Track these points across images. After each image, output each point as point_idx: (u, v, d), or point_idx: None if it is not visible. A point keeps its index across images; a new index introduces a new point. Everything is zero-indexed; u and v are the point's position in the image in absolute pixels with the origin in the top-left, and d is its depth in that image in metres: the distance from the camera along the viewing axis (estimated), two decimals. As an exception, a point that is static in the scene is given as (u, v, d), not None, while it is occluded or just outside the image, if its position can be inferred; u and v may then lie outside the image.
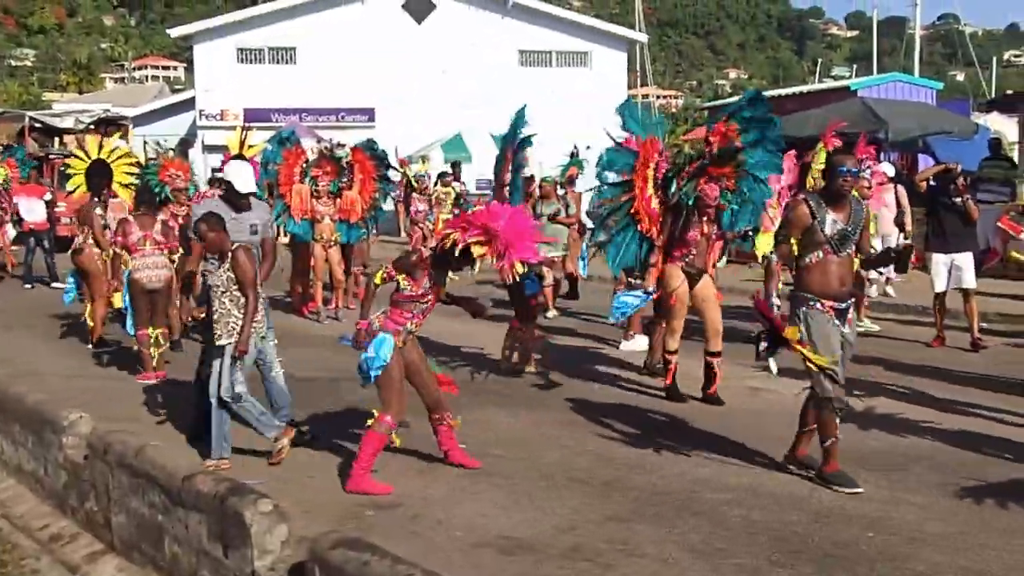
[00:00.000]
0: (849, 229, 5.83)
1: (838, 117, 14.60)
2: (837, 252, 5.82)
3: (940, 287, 10.24)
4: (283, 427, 6.48)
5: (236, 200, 7.14)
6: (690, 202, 7.75)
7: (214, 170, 18.24)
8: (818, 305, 5.80)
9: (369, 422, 5.88)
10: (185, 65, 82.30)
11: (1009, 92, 21.86)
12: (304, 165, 12.46)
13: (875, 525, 5.25)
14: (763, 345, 5.98)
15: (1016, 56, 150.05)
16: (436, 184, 19.48)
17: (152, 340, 9.00)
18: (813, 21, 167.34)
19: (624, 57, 36.31)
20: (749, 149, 7.73)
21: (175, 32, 37.18)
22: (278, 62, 33.15)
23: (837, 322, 5.83)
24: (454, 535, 5.18)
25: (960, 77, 70.34)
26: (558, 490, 5.84)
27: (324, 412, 7.48)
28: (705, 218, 7.92)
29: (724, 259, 10.24)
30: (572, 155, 14.19)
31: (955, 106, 23.84)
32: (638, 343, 10.19)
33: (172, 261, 9.43)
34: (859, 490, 5.70)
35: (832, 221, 5.79)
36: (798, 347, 5.75)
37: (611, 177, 8.15)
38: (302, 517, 5.06)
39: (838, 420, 5.82)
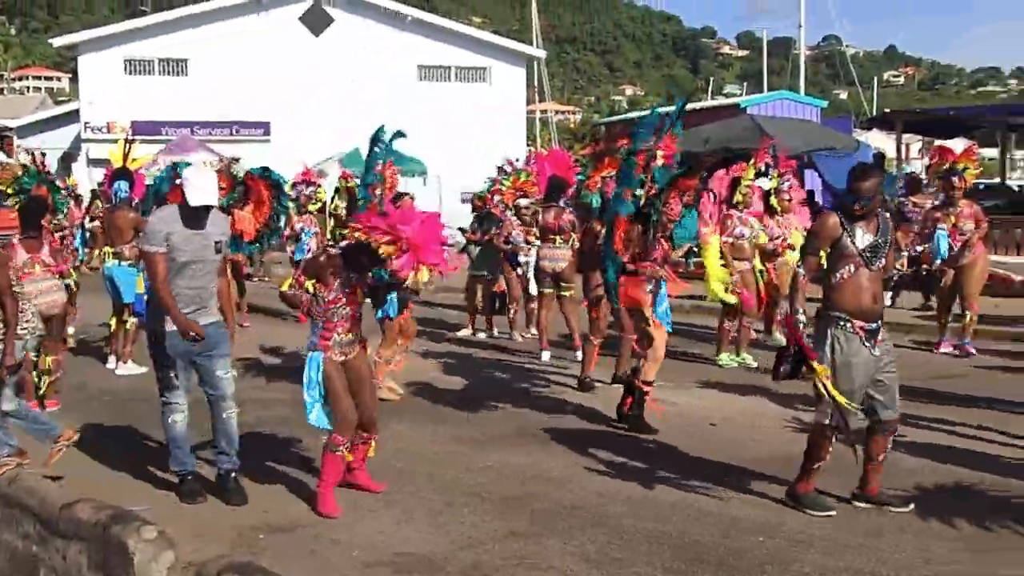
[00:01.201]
0: (880, 241, 5.52)
1: (728, 133, 14.98)
2: (869, 266, 5.50)
3: None
4: (57, 434, 6.27)
5: (194, 214, 5.81)
6: (656, 217, 7.37)
7: (99, 184, 17.75)
8: (849, 326, 5.45)
9: (324, 439, 5.77)
10: (70, 76, 79.72)
11: (888, 110, 22.69)
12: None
13: (766, 530, 5.35)
14: (784, 368, 5.62)
15: (895, 76, 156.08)
16: (334, 200, 19.20)
17: (45, 368, 8.37)
18: (706, 40, 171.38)
19: (523, 73, 36.58)
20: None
21: (59, 41, 35.38)
22: (169, 73, 32.39)
23: (867, 344, 5.46)
24: (351, 554, 5.09)
25: (843, 96, 72.85)
26: (458, 506, 5.79)
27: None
28: (663, 236, 7.56)
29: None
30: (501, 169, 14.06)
31: (838, 123, 24.66)
32: (549, 355, 10.46)
33: (67, 285, 8.99)
34: (831, 513, 5.57)
35: (862, 234, 5.48)
36: (823, 380, 5.41)
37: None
38: (194, 542, 4.92)
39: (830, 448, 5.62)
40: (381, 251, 5.46)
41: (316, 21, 33.44)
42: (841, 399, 5.38)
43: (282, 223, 11.32)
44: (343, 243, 5.88)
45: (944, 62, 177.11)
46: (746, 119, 19.68)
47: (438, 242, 5.62)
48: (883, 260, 5.57)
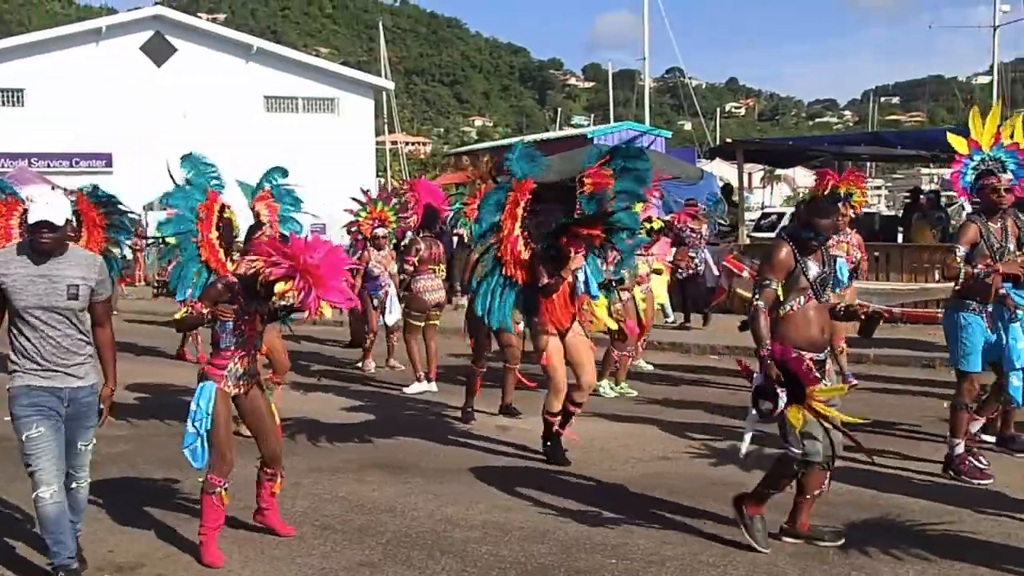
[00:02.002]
0: (827, 272, 5.47)
1: (576, 163, 15.31)
2: (818, 298, 5.43)
3: None
4: None
5: (38, 252, 4.83)
6: (548, 253, 7.21)
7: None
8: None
9: (202, 480, 5.42)
10: None
11: (728, 140, 23.65)
12: (22, 215, 11.70)
13: (616, 552, 5.46)
14: (767, 405, 5.25)
15: (736, 107, 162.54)
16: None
17: None
18: (553, 72, 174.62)
19: (371, 104, 36.60)
20: (620, 197, 7.34)
21: None
22: (4, 104, 31.12)
23: (816, 375, 5.29)
24: (198, 594, 4.98)
25: (687, 126, 75.34)
26: (308, 539, 5.73)
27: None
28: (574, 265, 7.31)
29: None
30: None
31: (682, 153, 25.52)
32: (419, 387, 10.40)
33: None
34: (766, 551, 5.42)
35: (813, 264, 5.40)
36: (822, 408, 5.21)
37: (485, 220, 7.51)
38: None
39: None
40: (276, 287, 5.06)
41: (158, 51, 32.70)
42: (836, 415, 5.26)
43: (124, 247, 10.83)
44: (240, 270, 5.43)
45: (783, 94, 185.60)
46: (593, 149, 20.14)
47: (340, 276, 5.21)
48: (828, 291, 5.53)
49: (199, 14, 71.48)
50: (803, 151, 18.99)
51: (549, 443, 7.54)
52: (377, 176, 37.25)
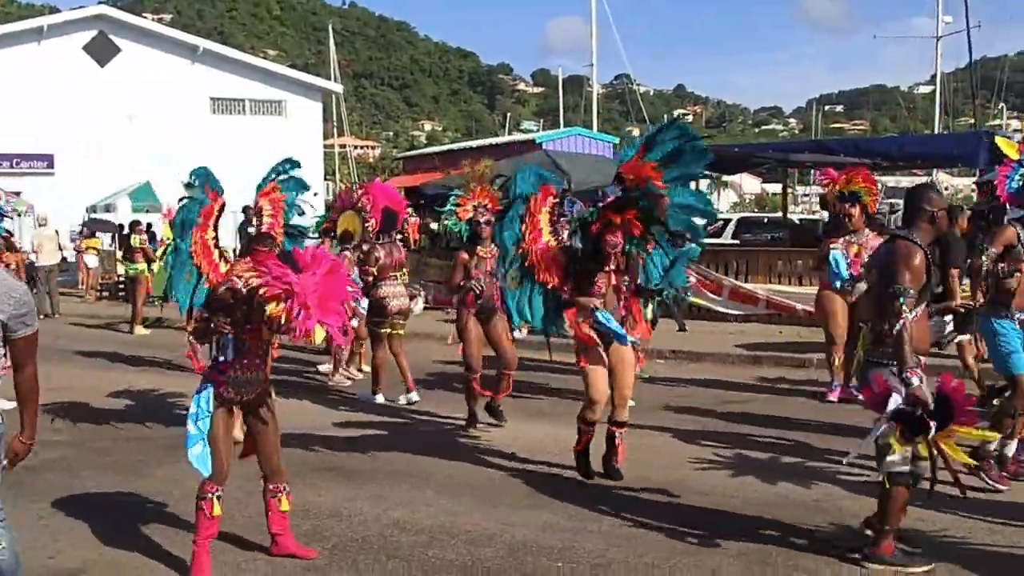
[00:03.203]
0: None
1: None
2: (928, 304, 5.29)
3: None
4: None
5: None
6: (582, 247, 6.85)
7: None
8: (919, 369, 4.93)
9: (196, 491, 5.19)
10: None
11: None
12: None
13: (563, 555, 5.49)
14: (906, 431, 4.88)
15: (684, 114, 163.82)
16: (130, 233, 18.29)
17: None
18: (503, 77, 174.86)
19: (319, 107, 36.41)
20: (675, 189, 6.79)
21: None
22: (-58, 105, 30.45)
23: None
24: (140, 601, 4.92)
25: (635, 132, 76.02)
26: (253, 545, 5.66)
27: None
28: (613, 267, 6.91)
29: (649, 312, 9.26)
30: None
31: (630, 159, 25.65)
32: (381, 399, 10.02)
33: None
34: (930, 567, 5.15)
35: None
36: (950, 446, 4.91)
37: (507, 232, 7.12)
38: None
39: None
40: (268, 307, 4.75)
41: (101, 51, 32.23)
42: (963, 458, 5.01)
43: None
44: (235, 281, 5.07)
45: (730, 101, 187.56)
46: (541, 154, 20.23)
47: (339, 298, 4.89)
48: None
49: (144, 14, 70.39)
50: (748, 158, 19.20)
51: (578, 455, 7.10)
52: (325, 179, 37.05)
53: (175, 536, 5.77)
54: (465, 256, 8.71)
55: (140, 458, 7.72)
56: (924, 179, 32.01)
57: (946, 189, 29.11)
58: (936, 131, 41.99)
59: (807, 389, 10.35)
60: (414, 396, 9.93)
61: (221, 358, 5.18)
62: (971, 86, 29.13)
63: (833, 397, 9.65)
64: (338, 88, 42.98)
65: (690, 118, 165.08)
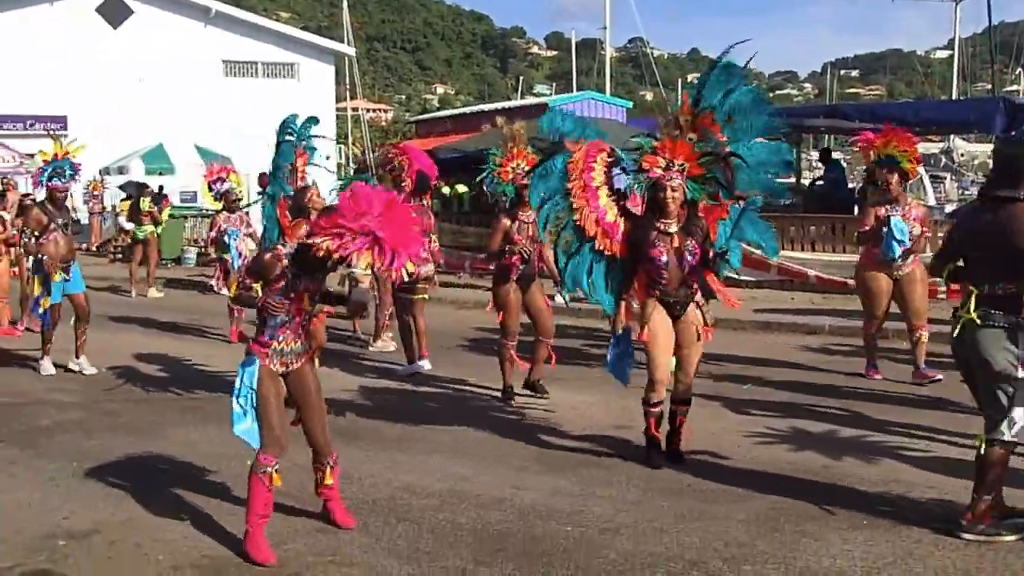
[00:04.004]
0: None
1: (535, 131, 15.25)
2: None
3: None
4: None
5: None
6: (640, 192, 6.22)
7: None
8: None
9: (250, 463, 5.09)
10: None
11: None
12: None
13: (572, 519, 5.51)
14: None
15: (698, 78, 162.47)
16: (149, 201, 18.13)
17: None
18: (516, 40, 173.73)
19: (332, 70, 36.25)
20: (743, 144, 6.24)
21: None
22: (-45, 65, 30.44)
23: None
24: (155, 559, 4.96)
25: (649, 96, 75.35)
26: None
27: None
28: (674, 226, 6.23)
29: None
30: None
31: (643, 123, 25.45)
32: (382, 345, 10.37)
33: None
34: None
35: None
36: None
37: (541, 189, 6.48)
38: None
39: None
40: (359, 265, 4.55)
41: (114, 13, 32.11)
42: None
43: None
44: (298, 242, 4.94)
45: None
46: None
47: (411, 224, 4.67)
48: None
49: (156, -25, 69.91)
50: (762, 122, 19.00)
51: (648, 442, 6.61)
52: (338, 143, 36.93)
53: (189, 497, 5.83)
54: (507, 221, 8.25)
55: (153, 419, 7.77)
56: (940, 145, 31.73)
57: (961, 155, 28.87)
58: (954, 96, 41.59)
59: (818, 356, 10.34)
60: (426, 364, 9.71)
61: (267, 327, 5.04)
62: (990, 51, 28.76)
63: (877, 376, 9.12)
64: (351, 51, 42.75)
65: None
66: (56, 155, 9.57)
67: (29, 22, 30.52)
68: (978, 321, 5.09)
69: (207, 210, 23.97)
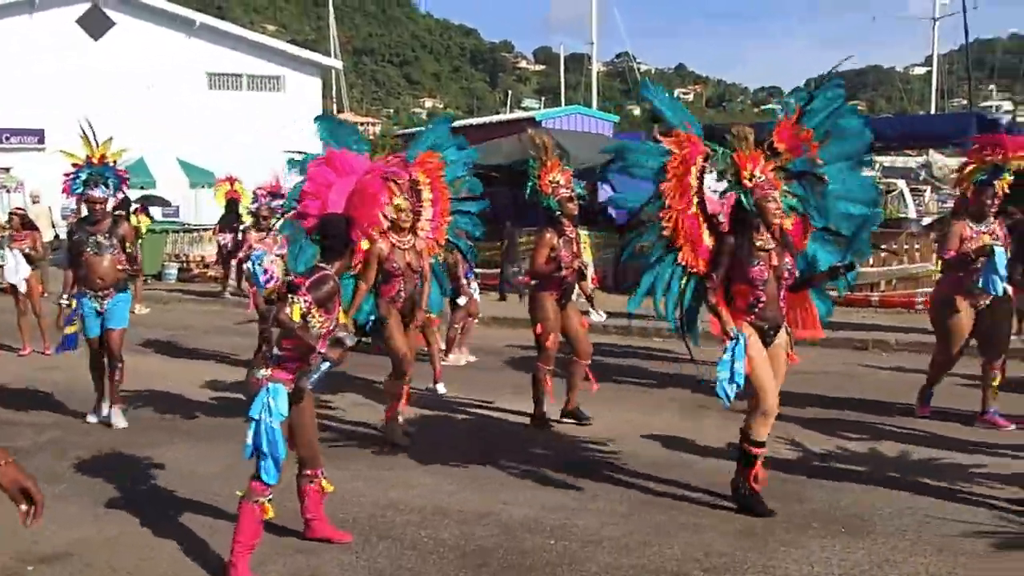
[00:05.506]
0: None
1: (524, 146, 15.23)
2: None
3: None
4: None
5: None
6: (751, 209, 5.52)
7: None
8: None
9: (239, 492, 4.93)
10: None
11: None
12: None
13: (556, 533, 5.46)
14: None
15: (684, 93, 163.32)
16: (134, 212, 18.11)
17: None
18: (504, 54, 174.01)
19: (319, 83, 36.19)
20: (836, 170, 5.78)
21: None
22: (-68, 77, 30.26)
23: None
24: (126, 580, 4.87)
25: (636, 111, 75.56)
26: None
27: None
28: (771, 242, 5.63)
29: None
30: None
31: (629, 138, 25.53)
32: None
33: None
34: None
35: None
36: None
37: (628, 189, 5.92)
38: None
39: None
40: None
41: (95, 24, 31.95)
42: None
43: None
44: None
45: (729, 80, 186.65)
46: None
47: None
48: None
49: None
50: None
51: (740, 489, 5.81)
52: (324, 156, 36.79)
53: (168, 518, 5.73)
54: (552, 237, 7.75)
55: (131, 439, 7.65)
56: (919, 159, 31.88)
57: (940, 168, 29.07)
58: (932, 111, 41.91)
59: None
60: (441, 388, 9.49)
61: (288, 360, 4.90)
62: (966, 68, 29.00)
63: (926, 413, 8.16)
64: (338, 64, 42.76)
65: (690, 97, 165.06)
66: (91, 159, 8.54)
67: (8, 33, 30.33)
68: None
69: (189, 225, 23.89)
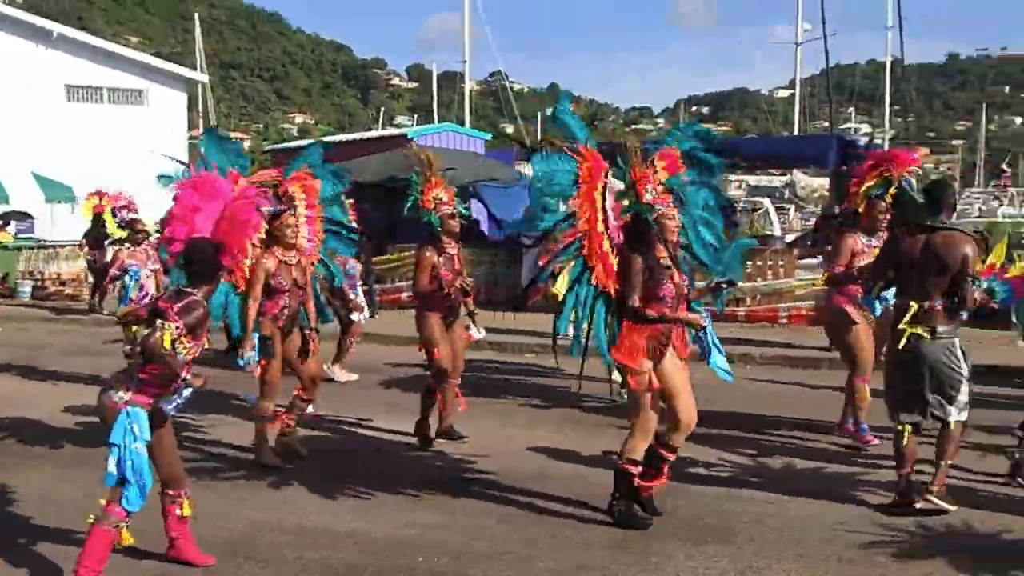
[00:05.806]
0: None
1: (394, 163, 15.20)
2: None
3: None
4: None
5: None
6: (653, 225, 5.55)
7: None
8: None
9: (91, 518, 4.76)
10: None
11: (546, 140, 23.85)
12: None
13: (426, 550, 5.43)
14: None
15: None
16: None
17: None
18: (377, 71, 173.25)
19: (184, 97, 35.28)
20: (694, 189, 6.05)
21: None
22: None
23: None
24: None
25: (510, 129, 76.24)
26: (114, 551, 5.38)
27: None
28: (670, 262, 5.67)
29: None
30: None
31: (500, 155, 25.72)
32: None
33: None
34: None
35: None
36: None
37: (550, 204, 5.64)
38: None
39: None
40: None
41: (-57, 32, 30.45)
42: None
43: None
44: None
45: (602, 100, 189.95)
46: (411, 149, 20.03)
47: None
48: None
49: (-4, -4, 67.03)
50: (620, 154, 19.47)
51: (616, 499, 5.83)
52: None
53: (21, 545, 5.47)
54: (431, 255, 7.66)
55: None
56: (783, 179, 33.13)
57: (802, 188, 30.27)
58: (795, 133, 43.62)
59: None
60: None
61: (150, 384, 4.80)
62: (827, 91, 30.32)
63: (875, 440, 7.55)
64: (203, 78, 41.79)
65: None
66: None
67: None
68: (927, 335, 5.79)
69: (44, 241, 22.93)
